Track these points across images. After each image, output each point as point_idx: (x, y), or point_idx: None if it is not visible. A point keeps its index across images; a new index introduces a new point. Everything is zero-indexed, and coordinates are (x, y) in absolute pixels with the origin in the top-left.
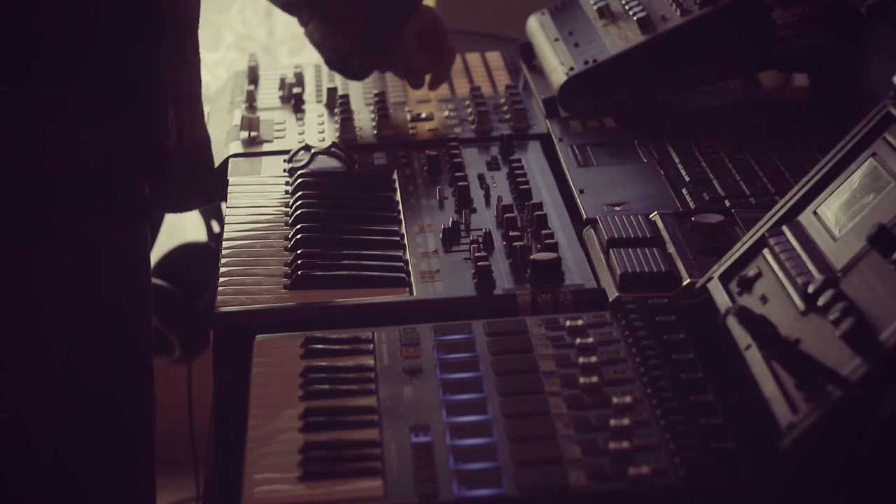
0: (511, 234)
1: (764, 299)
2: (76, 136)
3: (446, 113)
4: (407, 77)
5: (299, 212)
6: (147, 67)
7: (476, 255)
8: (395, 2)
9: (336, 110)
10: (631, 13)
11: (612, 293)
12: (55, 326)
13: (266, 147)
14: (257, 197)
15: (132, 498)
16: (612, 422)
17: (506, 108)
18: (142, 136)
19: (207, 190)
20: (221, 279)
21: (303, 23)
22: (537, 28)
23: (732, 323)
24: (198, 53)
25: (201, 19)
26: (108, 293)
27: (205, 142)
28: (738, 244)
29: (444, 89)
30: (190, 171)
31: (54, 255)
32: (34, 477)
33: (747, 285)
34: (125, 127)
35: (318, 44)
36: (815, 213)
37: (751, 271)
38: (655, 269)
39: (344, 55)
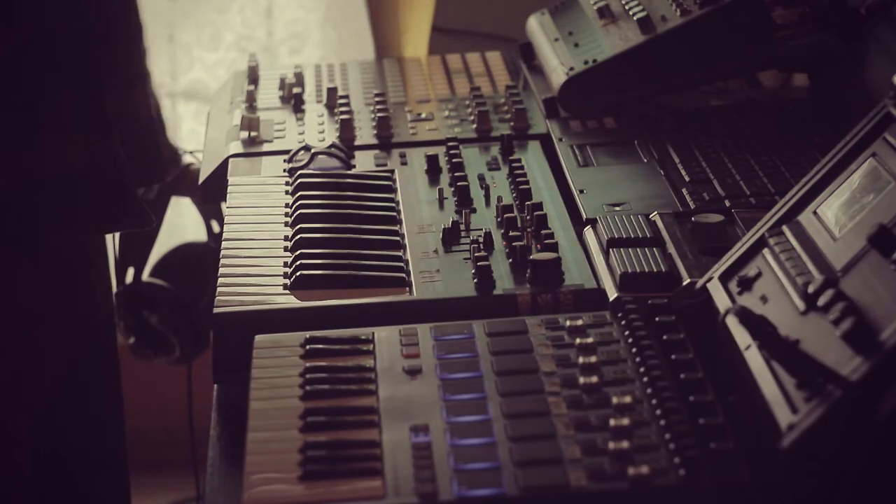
0: (511, 234)
1: (764, 299)
2: (61, 145)
3: (446, 113)
4: None
5: (299, 212)
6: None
7: (476, 255)
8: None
9: (336, 110)
10: (631, 13)
11: (612, 293)
12: (43, 329)
13: (266, 147)
14: (257, 197)
15: (115, 488)
16: (612, 422)
17: (506, 108)
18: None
19: (161, 163)
20: (221, 279)
21: None
22: (537, 28)
23: (732, 323)
24: (142, 71)
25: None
26: (84, 296)
27: (152, 120)
28: (738, 244)
29: (444, 89)
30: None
31: (42, 262)
32: (23, 470)
33: (747, 285)
34: (99, 136)
35: None
36: (815, 213)
37: (751, 271)
38: (655, 269)
39: None
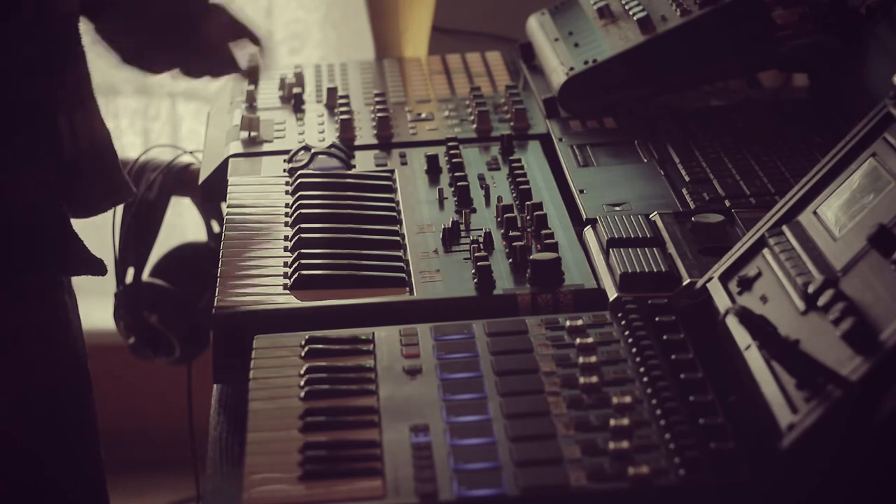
0: (511, 234)
1: (764, 299)
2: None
3: (446, 113)
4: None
5: (299, 212)
6: (28, 80)
7: (476, 255)
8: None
9: (336, 110)
10: (631, 13)
11: (612, 293)
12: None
13: (266, 147)
14: (257, 197)
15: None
16: (612, 422)
17: (506, 108)
18: (43, 153)
19: (117, 189)
20: (221, 279)
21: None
22: (537, 28)
23: (732, 323)
24: (81, 48)
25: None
26: (49, 336)
27: (105, 141)
28: (738, 244)
29: (444, 89)
30: (96, 174)
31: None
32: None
33: (747, 285)
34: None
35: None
36: (815, 213)
37: (751, 271)
38: (655, 269)
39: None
